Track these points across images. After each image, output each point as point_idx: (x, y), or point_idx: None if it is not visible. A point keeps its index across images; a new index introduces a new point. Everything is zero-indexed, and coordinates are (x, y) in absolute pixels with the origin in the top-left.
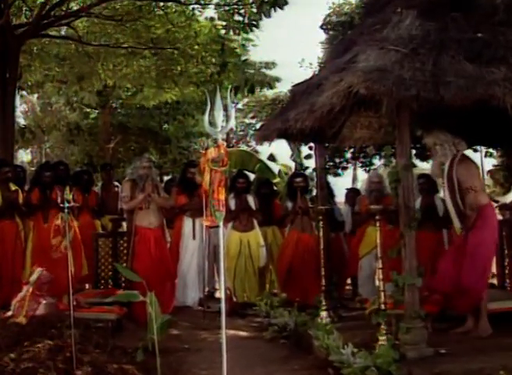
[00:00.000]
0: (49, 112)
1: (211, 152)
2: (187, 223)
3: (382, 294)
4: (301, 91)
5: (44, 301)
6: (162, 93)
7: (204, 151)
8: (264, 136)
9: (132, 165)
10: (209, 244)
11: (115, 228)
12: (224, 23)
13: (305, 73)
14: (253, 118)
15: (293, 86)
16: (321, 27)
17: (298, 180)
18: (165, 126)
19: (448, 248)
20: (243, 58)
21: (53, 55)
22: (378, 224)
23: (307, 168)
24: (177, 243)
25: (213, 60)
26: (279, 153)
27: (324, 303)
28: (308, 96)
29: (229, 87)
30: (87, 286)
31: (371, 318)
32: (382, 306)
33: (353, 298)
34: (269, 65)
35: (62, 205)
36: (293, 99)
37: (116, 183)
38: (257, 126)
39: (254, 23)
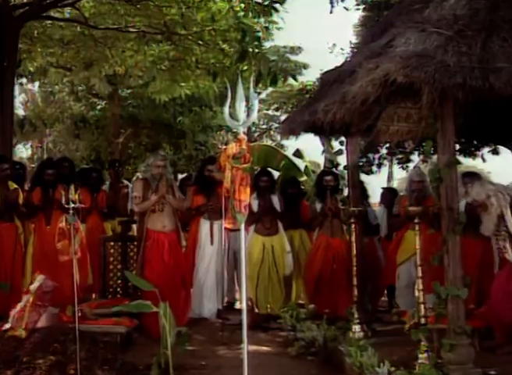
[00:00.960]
0: (51, 103)
1: (232, 148)
2: (205, 225)
3: (422, 306)
4: (332, 79)
5: (45, 313)
6: (176, 87)
7: (223, 147)
8: (290, 129)
9: (145, 162)
10: (229, 250)
11: (125, 231)
12: (243, 5)
13: (336, 60)
14: (277, 109)
15: (323, 74)
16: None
17: (328, 178)
18: (180, 118)
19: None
20: (266, 43)
21: (56, 40)
22: (417, 228)
23: (338, 165)
24: (193, 248)
25: (232, 48)
26: (306, 148)
27: (356, 316)
28: (339, 85)
29: (252, 75)
30: (93, 295)
31: (409, 333)
32: (423, 320)
33: (390, 310)
34: (295, 50)
35: (66, 206)
36: (323, 88)
37: (126, 182)
38: (282, 118)
39: (277, 2)
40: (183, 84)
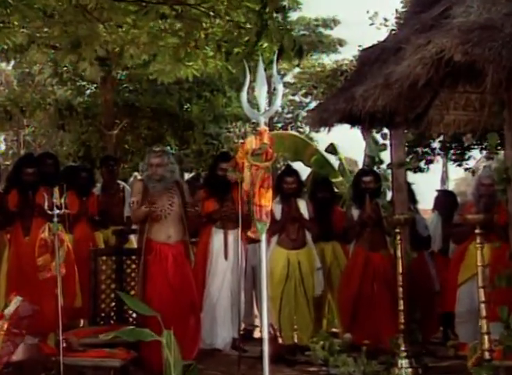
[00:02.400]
0: (30, 86)
1: (251, 142)
2: (217, 236)
3: (487, 337)
4: (373, 57)
5: (23, 343)
6: (181, 67)
7: (240, 141)
8: (322, 120)
9: (146, 158)
10: (246, 266)
11: (121, 243)
12: None
13: (378, 33)
14: (306, 95)
15: (362, 51)
16: None
17: (367, 179)
18: (187, 106)
19: None
20: (292, 14)
21: (37, 9)
22: (478, 240)
23: (380, 163)
24: (203, 263)
25: (249, 20)
26: (340, 143)
27: (403, 348)
28: (382, 65)
29: (274, 53)
30: (81, 322)
31: (470, 371)
32: (487, 355)
33: (445, 342)
34: (329, 23)
35: (49, 212)
36: (362, 69)
37: (122, 184)
38: (312, 106)
39: None
40: (189, 64)
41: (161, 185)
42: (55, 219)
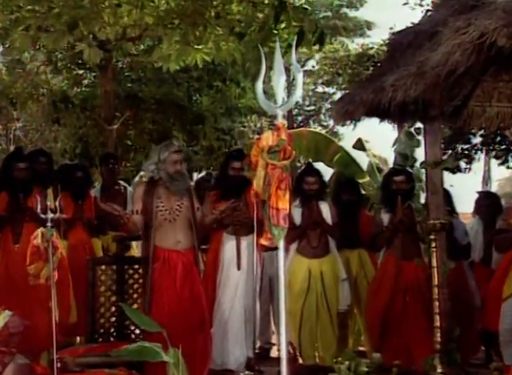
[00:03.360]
0: (21, 76)
1: (267, 138)
2: (229, 243)
3: None
4: (405, 42)
5: (12, 362)
6: (189, 51)
7: (255, 137)
8: (347, 112)
9: (150, 157)
10: (262, 276)
11: (122, 251)
12: None
13: (411, 15)
14: (329, 84)
15: (393, 34)
16: None
17: (399, 179)
18: (197, 97)
19: None
20: None
21: None
22: None
23: (414, 161)
24: (213, 274)
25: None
26: (369, 139)
27: (440, 370)
28: (415, 51)
29: (293, 37)
30: (77, 339)
31: None
32: None
33: (487, 363)
34: (355, 3)
35: (42, 217)
36: (392, 55)
37: (123, 184)
38: (337, 97)
39: None
40: (199, 47)
41: (182, 184)
42: (49, 224)
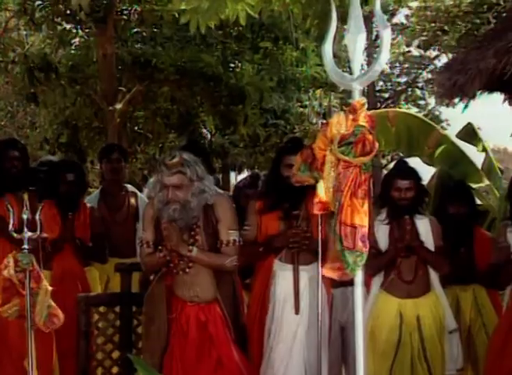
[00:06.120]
0: None
1: (339, 123)
2: (283, 276)
3: None
4: None
5: None
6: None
7: (320, 122)
8: (456, 86)
9: (165, 154)
10: (331, 323)
11: (128, 285)
12: None
13: None
14: (429, 46)
15: None
16: None
17: None
18: (236, 64)
19: None
20: None
21: None
22: None
23: None
24: (260, 320)
25: None
26: (487, 125)
27: None
28: None
29: None
30: None
31: None
32: None
33: None
34: None
35: (16, 236)
36: None
37: (130, 189)
38: (440, 63)
39: None
40: None
41: (183, 221)
42: (25, 247)
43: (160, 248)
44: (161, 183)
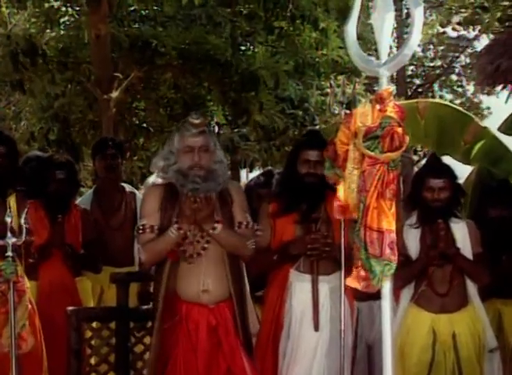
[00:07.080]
0: None
1: (364, 114)
2: (300, 288)
3: None
4: None
5: None
6: None
7: (343, 112)
8: (499, 71)
9: (170, 140)
10: (356, 342)
11: (125, 298)
12: None
13: None
14: (467, 25)
15: None
16: None
17: None
18: (247, 46)
19: None
20: None
21: None
22: None
23: None
24: (274, 337)
25: None
26: None
27: None
28: None
29: None
30: None
31: None
32: None
33: None
34: None
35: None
36: None
37: (129, 189)
38: (480, 46)
39: None
40: None
41: (208, 186)
42: (10, 254)
43: (176, 222)
44: (183, 146)
